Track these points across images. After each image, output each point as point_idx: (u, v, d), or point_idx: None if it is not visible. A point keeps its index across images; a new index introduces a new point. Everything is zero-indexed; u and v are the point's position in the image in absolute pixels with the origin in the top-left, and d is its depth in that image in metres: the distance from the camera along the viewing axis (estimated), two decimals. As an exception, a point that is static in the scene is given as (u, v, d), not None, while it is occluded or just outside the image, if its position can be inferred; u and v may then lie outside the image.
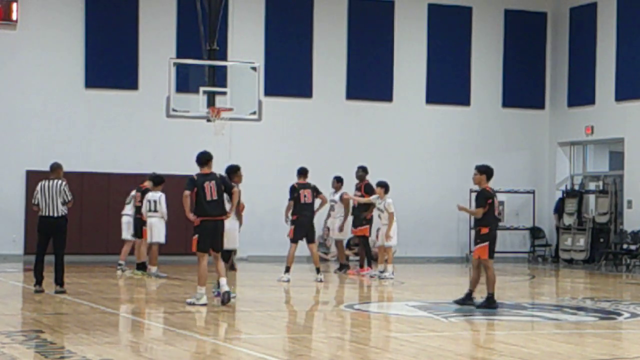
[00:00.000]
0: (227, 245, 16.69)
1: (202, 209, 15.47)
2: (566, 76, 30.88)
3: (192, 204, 15.65)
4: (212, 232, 15.54)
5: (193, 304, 15.46)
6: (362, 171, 23.53)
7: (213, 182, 15.59)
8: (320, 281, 20.61)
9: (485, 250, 15.72)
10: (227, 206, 15.93)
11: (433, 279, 23.79)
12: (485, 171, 16.00)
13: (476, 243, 15.88)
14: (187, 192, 15.44)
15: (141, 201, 21.73)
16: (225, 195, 15.76)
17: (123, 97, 27.82)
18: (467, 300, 15.93)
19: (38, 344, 11.32)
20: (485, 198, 15.72)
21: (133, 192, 22.59)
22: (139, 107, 27.75)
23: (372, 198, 22.19)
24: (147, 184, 21.91)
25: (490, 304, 15.65)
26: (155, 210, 21.23)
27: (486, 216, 15.67)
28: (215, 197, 15.49)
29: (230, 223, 16.67)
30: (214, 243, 15.61)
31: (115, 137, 27.62)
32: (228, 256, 16.79)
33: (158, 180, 21.49)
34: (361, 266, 23.31)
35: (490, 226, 15.69)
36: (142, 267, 21.68)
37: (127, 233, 22.52)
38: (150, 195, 21.35)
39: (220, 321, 14.12)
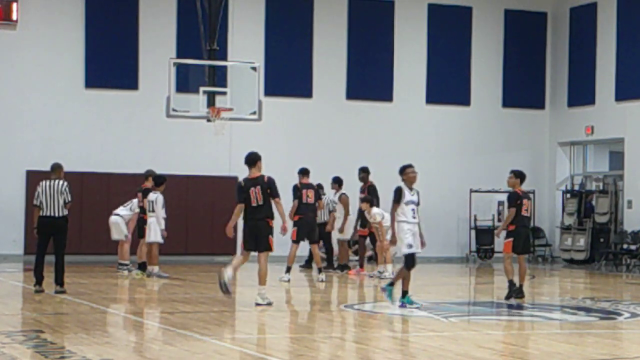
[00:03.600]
0: None
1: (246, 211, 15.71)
2: (566, 76, 30.88)
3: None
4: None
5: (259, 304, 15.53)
6: (363, 172, 23.49)
7: (259, 187, 15.62)
8: (322, 281, 20.61)
9: (509, 245, 16.95)
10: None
11: (433, 279, 23.78)
12: (519, 175, 17.81)
13: (505, 238, 17.18)
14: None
15: (143, 201, 21.71)
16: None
17: (123, 97, 27.83)
18: (519, 294, 16.96)
19: (38, 344, 11.31)
20: (515, 199, 17.19)
21: (135, 201, 22.42)
22: (139, 107, 27.75)
23: (375, 213, 22.08)
24: (148, 183, 21.89)
25: (510, 292, 16.93)
26: (153, 211, 21.23)
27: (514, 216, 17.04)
28: (260, 202, 15.56)
29: None
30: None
31: (115, 137, 27.62)
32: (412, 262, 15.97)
33: (159, 181, 21.46)
34: (361, 266, 23.32)
35: (516, 225, 16.98)
36: (142, 267, 21.69)
37: (115, 234, 22.49)
38: (151, 196, 21.34)
39: (220, 321, 14.13)
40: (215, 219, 26.36)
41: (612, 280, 24.04)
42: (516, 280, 17.04)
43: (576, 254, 29.37)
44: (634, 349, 12.05)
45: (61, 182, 17.32)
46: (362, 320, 14.53)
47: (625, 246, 27.79)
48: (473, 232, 30.19)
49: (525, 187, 30.74)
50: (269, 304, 15.62)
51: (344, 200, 23.58)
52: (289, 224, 21.13)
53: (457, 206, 30.23)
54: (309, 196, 21.03)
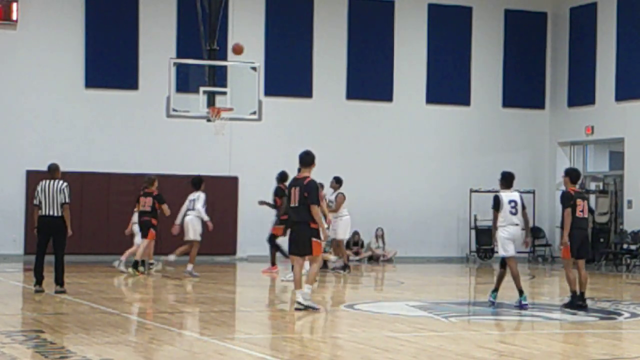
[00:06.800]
0: None
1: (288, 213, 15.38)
2: (566, 76, 30.88)
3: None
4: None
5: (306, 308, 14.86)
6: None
7: (298, 188, 15.12)
8: (316, 280, 20.57)
9: (566, 250, 16.00)
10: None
11: (433, 279, 23.78)
12: (569, 173, 16.47)
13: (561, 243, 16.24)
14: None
15: (152, 206, 21.81)
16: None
17: (123, 97, 27.83)
18: (582, 302, 15.98)
19: (38, 344, 11.31)
20: (568, 199, 16.10)
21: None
22: (139, 107, 27.75)
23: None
24: (153, 188, 21.98)
25: (573, 303, 15.87)
26: (193, 209, 21.43)
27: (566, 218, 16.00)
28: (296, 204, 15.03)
29: None
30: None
31: (115, 137, 27.63)
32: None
33: (197, 182, 21.82)
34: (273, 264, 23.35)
35: (571, 227, 16.02)
36: (135, 265, 21.69)
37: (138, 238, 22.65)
38: (191, 195, 21.55)
39: (220, 321, 14.12)
40: (215, 219, 26.32)
41: (612, 280, 24.04)
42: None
43: (576, 254, 29.34)
44: (634, 349, 12.05)
45: (61, 182, 17.31)
46: (362, 320, 14.52)
47: (625, 246, 27.80)
48: (473, 232, 30.19)
49: (525, 187, 31.15)
50: (309, 307, 14.97)
51: (339, 199, 23.64)
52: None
53: (457, 206, 30.22)
54: None
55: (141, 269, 21.66)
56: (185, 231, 21.75)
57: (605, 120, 29.43)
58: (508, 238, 16.07)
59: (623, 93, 28.78)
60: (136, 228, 22.49)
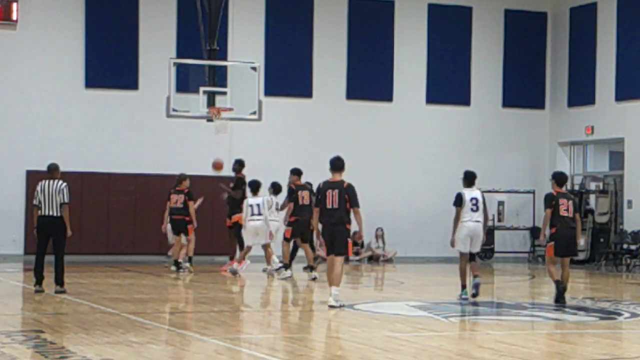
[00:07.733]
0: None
1: (321, 214, 15.63)
2: (566, 76, 30.89)
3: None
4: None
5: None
6: (238, 164, 23.47)
7: (337, 190, 15.47)
8: (314, 279, 20.61)
9: (551, 248, 16.70)
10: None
11: (433, 279, 23.78)
12: (554, 177, 17.14)
13: (548, 241, 16.90)
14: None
15: (184, 203, 22.32)
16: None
17: (123, 97, 27.83)
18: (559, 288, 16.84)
19: (38, 344, 11.31)
20: (549, 200, 16.73)
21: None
22: (139, 107, 27.75)
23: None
24: (184, 186, 22.57)
25: (558, 290, 16.67)
26: (260, 214, 21.45)
27: (551, 218, 16.67)
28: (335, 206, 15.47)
29: None
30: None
31: (115, 137, 27.63)
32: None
33: (256, 186, 21.98)
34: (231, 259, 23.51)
35: (555, 226, 16.60)
36: (189, 260, 22.54)
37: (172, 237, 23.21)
38: (252, 200, 21.71)
39: (220, 321, 14.12)
40: (215, 219, 26.37)
41: (612, 280, 24.03)
42: None
43: (576, 254, 29.34)
44: (634, 349, 12.05)
45: (60, 182, 17.30)
46: (362, 320, 14.52)
47: (625, 246, 27.79)
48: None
49: (525, 187, 31.13)
50: (342, 306, 15.47)
51: None
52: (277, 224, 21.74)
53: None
54: (304, 197, 21.15)
55: (188, 264, 22.50)
56: (251, 236, 21.75)
57: (605, 120, 29.43)
58: (467, 235, 16.89)
59: (623, 93, 28.79)
60: (169, 225, 22.99)
